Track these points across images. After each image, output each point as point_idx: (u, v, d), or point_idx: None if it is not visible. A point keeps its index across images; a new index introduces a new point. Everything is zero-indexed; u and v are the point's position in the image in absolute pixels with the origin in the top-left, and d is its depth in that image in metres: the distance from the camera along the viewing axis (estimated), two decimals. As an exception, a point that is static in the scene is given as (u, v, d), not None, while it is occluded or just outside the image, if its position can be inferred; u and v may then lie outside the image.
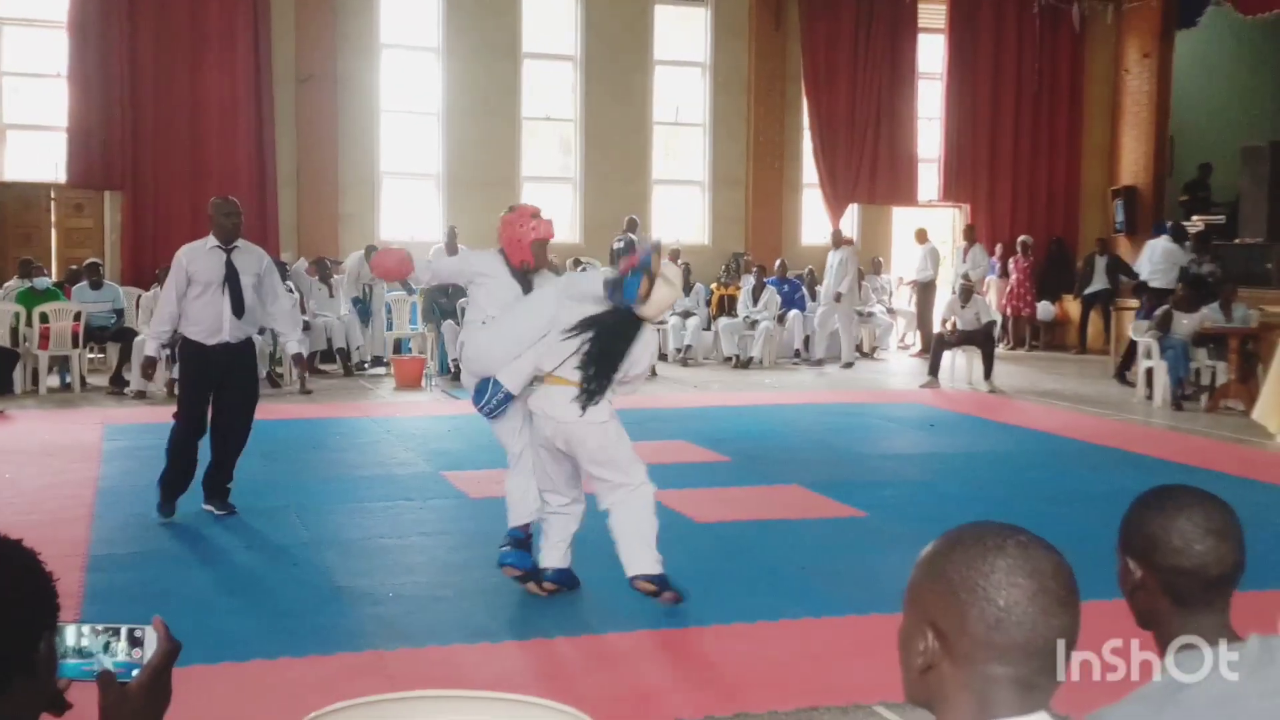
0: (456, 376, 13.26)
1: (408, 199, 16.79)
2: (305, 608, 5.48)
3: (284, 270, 13.69)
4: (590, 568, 6.13)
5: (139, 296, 13.77)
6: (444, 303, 13.68)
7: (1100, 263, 16.96)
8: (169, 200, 15.25)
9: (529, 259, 5.78)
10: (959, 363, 13.90)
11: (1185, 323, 12.38)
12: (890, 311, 17.54)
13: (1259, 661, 1.92)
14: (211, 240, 6.93)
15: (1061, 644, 1.49)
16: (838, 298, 15.28)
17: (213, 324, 6.83)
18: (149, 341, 7.21)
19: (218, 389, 6.95)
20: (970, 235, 17.69)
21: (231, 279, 6.85)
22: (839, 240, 16.29)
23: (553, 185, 17.44)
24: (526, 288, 5.74)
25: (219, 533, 6.81)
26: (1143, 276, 14.58)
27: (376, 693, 2.42)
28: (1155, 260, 15.03)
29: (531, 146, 17.37)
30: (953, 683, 1.50)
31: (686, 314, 15.57)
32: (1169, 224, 15.06)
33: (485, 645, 4.96)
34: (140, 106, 15.02)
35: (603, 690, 4.51)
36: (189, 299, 6.81)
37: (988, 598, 1.47)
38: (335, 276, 14.54)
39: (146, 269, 14.48)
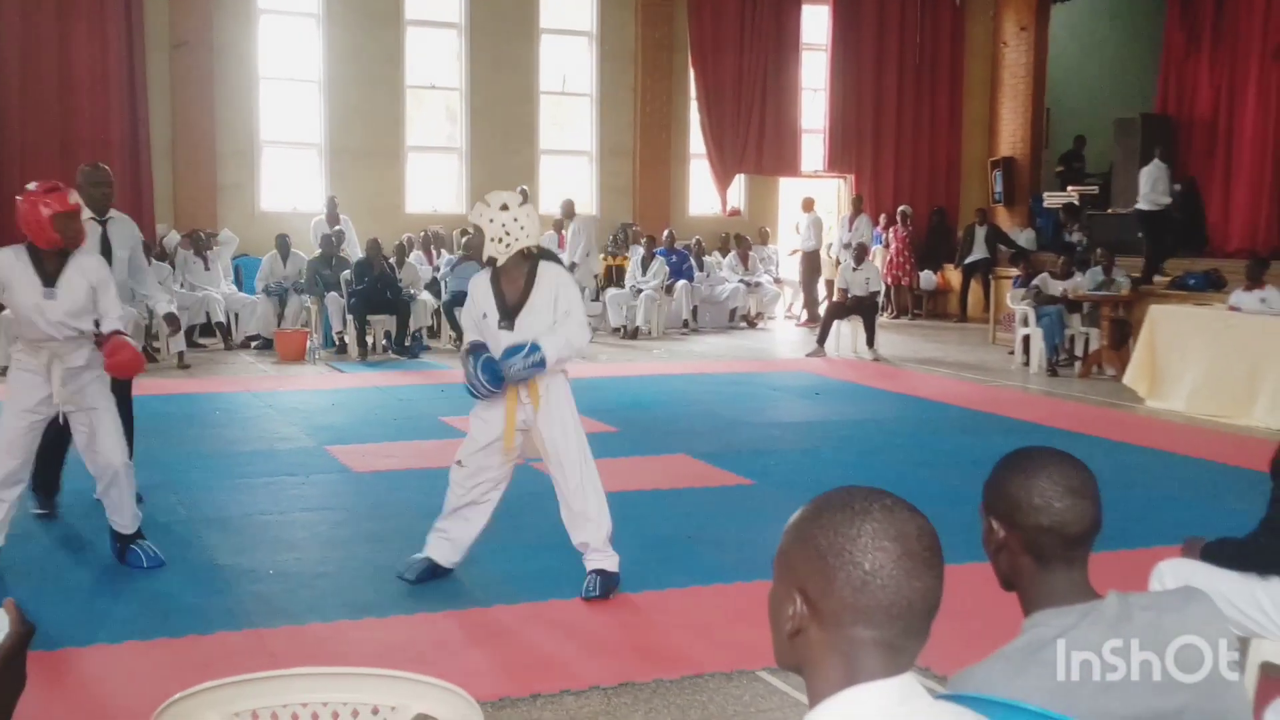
0: (341, 350, 13.14)
1: (288, 169, 16.43)
2: (183, 587, 5.35)
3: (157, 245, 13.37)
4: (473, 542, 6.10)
5: None
6: (327, 274, 13.45)
7: (980, 232, 17.33)
8: (36, 172, 14.65)
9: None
10: (844, 331, 14.09)
11: (1060, 289, 12.72)
12: (777, 281, 17.72)
13: (1118, 618, 1.97)
14: (85, 212, 6.42)
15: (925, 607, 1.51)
16: (572, 268, 15.10)
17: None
18: None
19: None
20: (858, 205, 17.93)
21: (106, 253, 6.44)
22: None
23: (438, 155, 17.24)
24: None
25: (89, 513, 6.59)
26: (1140, 205, 14.54)
27: (257, 670, 2.37)
28: (1147, 184, 14.66)
29: (416, 115, 17.12)
30: (820, 646, 1.51)
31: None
32: (1158, 150, 15.04)
33: (370, 621, 4.90)
34: (4, 75, 14.44)
35: (488, 663, 4.49)
36: None
37: (854, 561, 1.48)
38: (211, 249, 14.18)
39: (12, 240, 13.92)
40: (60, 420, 5.52)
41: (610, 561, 5.23)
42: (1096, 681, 1.90)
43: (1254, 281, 10.85)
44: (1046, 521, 2.00)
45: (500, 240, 5.00)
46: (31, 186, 5.42)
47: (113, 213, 6.71)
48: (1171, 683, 1.94)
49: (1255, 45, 16.24)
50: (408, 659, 4.40)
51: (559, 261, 5.38)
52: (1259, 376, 9.55)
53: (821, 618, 1.50)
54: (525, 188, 15.83)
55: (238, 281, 14.60)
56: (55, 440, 6.38)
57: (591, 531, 5.21)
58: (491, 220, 5.00)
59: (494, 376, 5.05)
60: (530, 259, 5.12)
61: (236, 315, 13.98)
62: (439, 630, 4.82)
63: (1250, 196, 16.19)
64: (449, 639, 4.74)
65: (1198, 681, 1.97)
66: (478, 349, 5.15)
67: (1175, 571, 3.48)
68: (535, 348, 4.97)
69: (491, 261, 5.07)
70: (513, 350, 5.00)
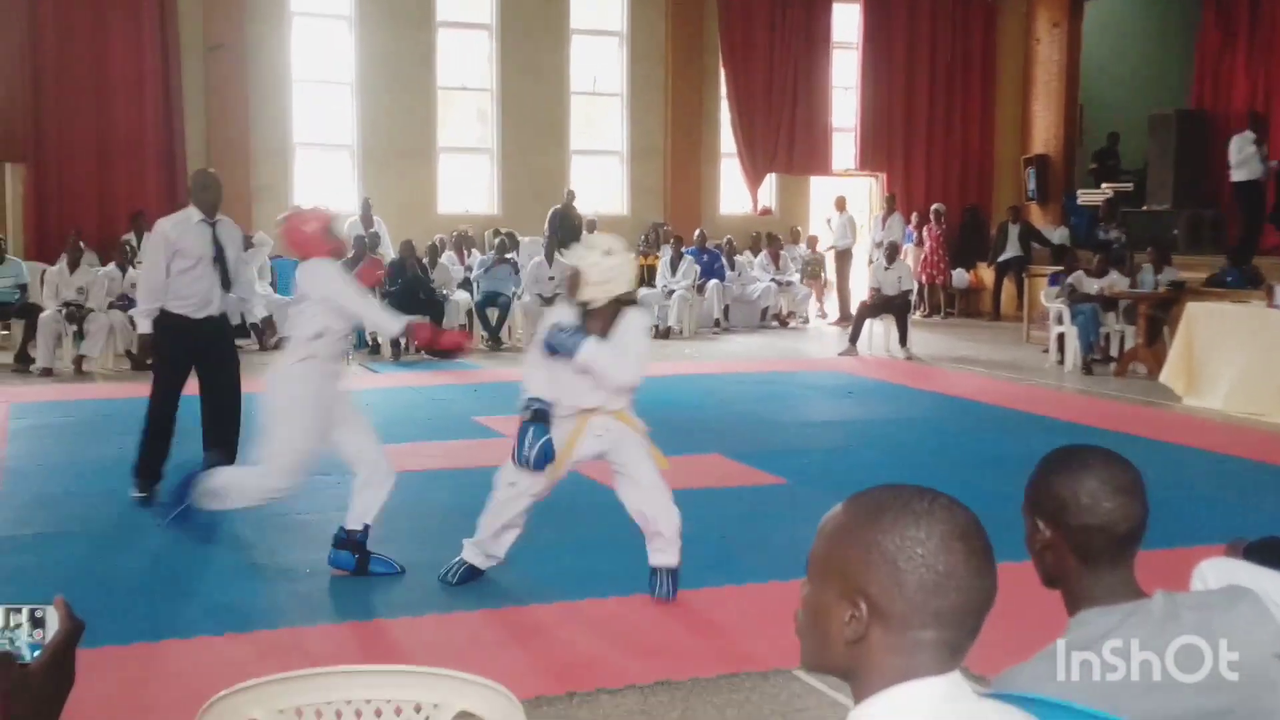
0: (375, 350, 13.20)
1: (322, 170, 16.53)
2: (221, 586, 5.39)
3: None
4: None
5: (44, 271, 13.40)
6: (360, 276, 13.51)
7: (1013, 230, 17.22)
8: (73, 173, 14.87)
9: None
10: (876, 330, 14.04)
11: (1095, 287, 12.63)
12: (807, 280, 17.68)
13: (1165, 617, 1.96)
14: (196, 214, 6.83)
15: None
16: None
17: (203, 298, 6.76)
18: (141, 319, 6.95)
19: (200, 362, 6.88)
20: (891, 204, 17.87)
21: (220, 255, 6.80)
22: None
23: (469, 156, 17.30)
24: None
25: (131, 512, 6.67)
26: (1234, 176, 14.32)
27: (297, 668, 2.38)
28: (1235, 154, 14.29)
29: (447, 117, 17.18)
30: (881, 650, 1.48)
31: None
32: (1251, 115, 14.73)
33: (406, 619, 4.92)
34: (43, 78, 14.60)
35: (525, 662, 4.50)
36: (175, 273, 6.70)
37: (926, 564, 1.45)
38: (246, 251, 14.24)
39: (51, 243, 14.10)
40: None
41: (674, 555, 5.16)
42: (1141, 681, 1.89)
43: (1293, 278, 10.74)
44: (1095, 521, 1.99)
45: (600, 284, 5.07)
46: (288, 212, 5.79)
47: (220, 215, 6.97)
48: (1218, 682, 1.92)
49: (1292, 39, 16.08)
50: (445, 657, 4.41)
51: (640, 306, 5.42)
52: (1298, 374, 9.45)
53: (889, 621, 1.47)
54: (572, 189, 15.93)
55: (273, 283, 14.68)
56: (168, 427, 6.75)
57: (664, 523, 5.15)
58: (594, 264, 5.06)
59: (545, 460, 5.02)
60: (618, 304, 5.15)
61: (271, 317, 14.02)
62: (475, 629, 4.84)
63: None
64: (485, 637, 4.75)
65: (1244, 681, 1.95)
66: (541, 419, 5.05)
67: (1218, 570, 3.44)
68: (581, 337, 4.97)
69: (585, 304, 5.10)
70: (565, 330, 5.02)
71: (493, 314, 14.02)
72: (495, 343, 13.94)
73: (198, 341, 6.83)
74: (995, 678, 1.93)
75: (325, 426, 5.52)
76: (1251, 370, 9.96)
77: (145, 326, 6.90)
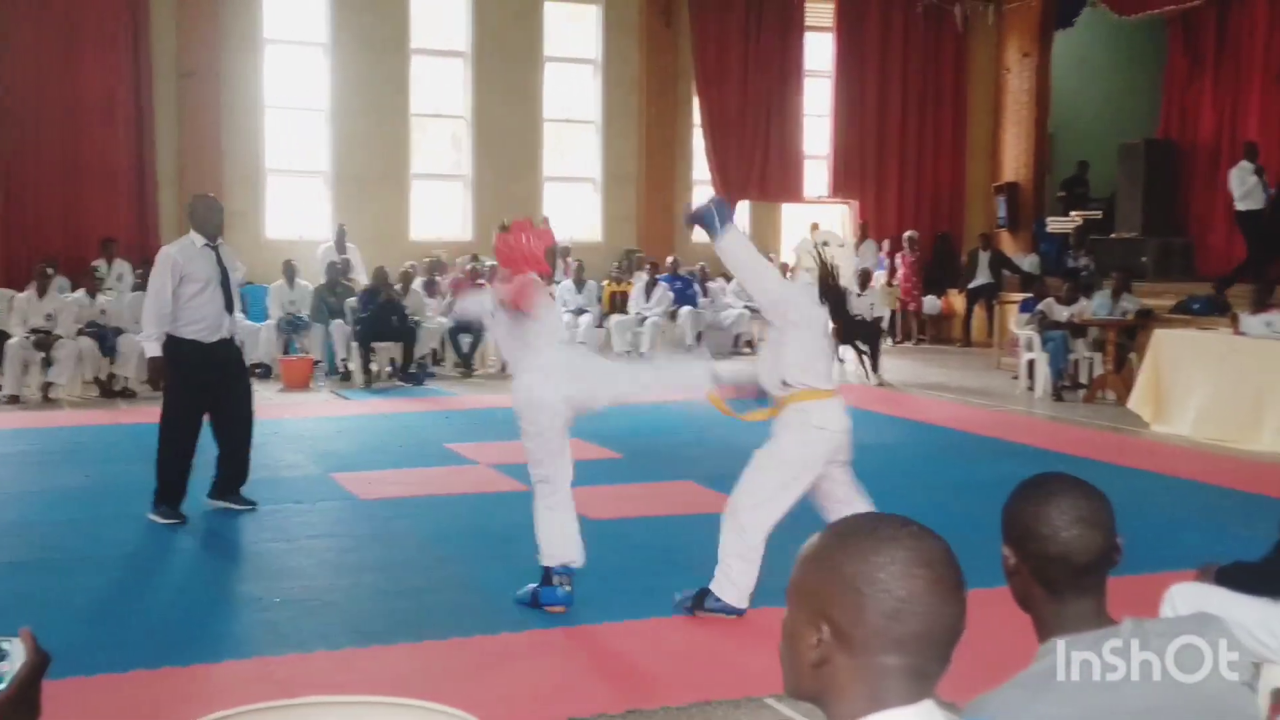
0: (346, 377, 13.15)
1: (295, 197, 16.49)
2: (189, 616, 5.34)
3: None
4: (482, 566, 6.10)
5: (11, 298, 13.29)
6: (332, 301, 13.47)
7: (984, 257, 17.34)
8: (43, 198, 14.79)
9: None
10: (848, 356, 14.07)
11: (1065, 314, 12.72)
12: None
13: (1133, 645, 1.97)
14: (199, 238, 6.92)
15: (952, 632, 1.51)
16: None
17: (214, 321, 6.88)
18: (149, 344, 6.94)
19: (217, 387, 6.94)
20: (863, 231, 17.96)
21: (225, 278, 6.94)
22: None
23: (443, 183, 17.30)
24: None
25: (97, 540, 6.60)
26: (1237, 206, 14.18)
27: (264, 700, 2.36)
28: (1236, 185, 14.25)
29: (421, 143, 17.19)
30: (846, 674, 1.50)
31: (579, 311, 15.55)
32: (1247, 145, 14.75)
33: (376, 649, 4.88)
34: (14, 101, 14.54)
35: (496, 691, 4.47)
36: (184, 298, 6.78)
37: (887, 589, 1.47)
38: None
39: (19, 269, 13.99)
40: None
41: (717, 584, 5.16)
42: (1112, 712, 1.89)
43: (1260, 305, 10.84)
44: (1054, 550, 2.00)
45: (809, 271, 5.20)
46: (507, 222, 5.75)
47: (220, 239, 7.09)
48: (1189, 710, 1.93)
49: (1257, 69, 16.31)
50: (415, 687, 4.38)
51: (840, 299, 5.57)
52: (1265, 400, 9.52)
53: (851, 646, 1.48)
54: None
55: (244, 309, 14.61)
56: (189, 450, 6.85)
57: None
58: (807, 253, 5.26)
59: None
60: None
61: (243, 343, 13.96)
62: (446, 658, 4.81)
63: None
64: (456, 667, 4.72)
65: (1213, 708, 1.96)
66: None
67: (1187, 596, 3.47)
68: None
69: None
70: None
71: (465, 341, 13.99)
72: (467, 369, 13.91)
73: (214, 366, 6.92)
74: (966, 705, 1.94)
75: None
76: (1219, 397, 10.04)
77: (155, 350, 6.89)
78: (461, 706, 2.31)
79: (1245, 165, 13.88)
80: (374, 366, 13.17)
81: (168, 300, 6.76)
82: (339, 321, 13.26)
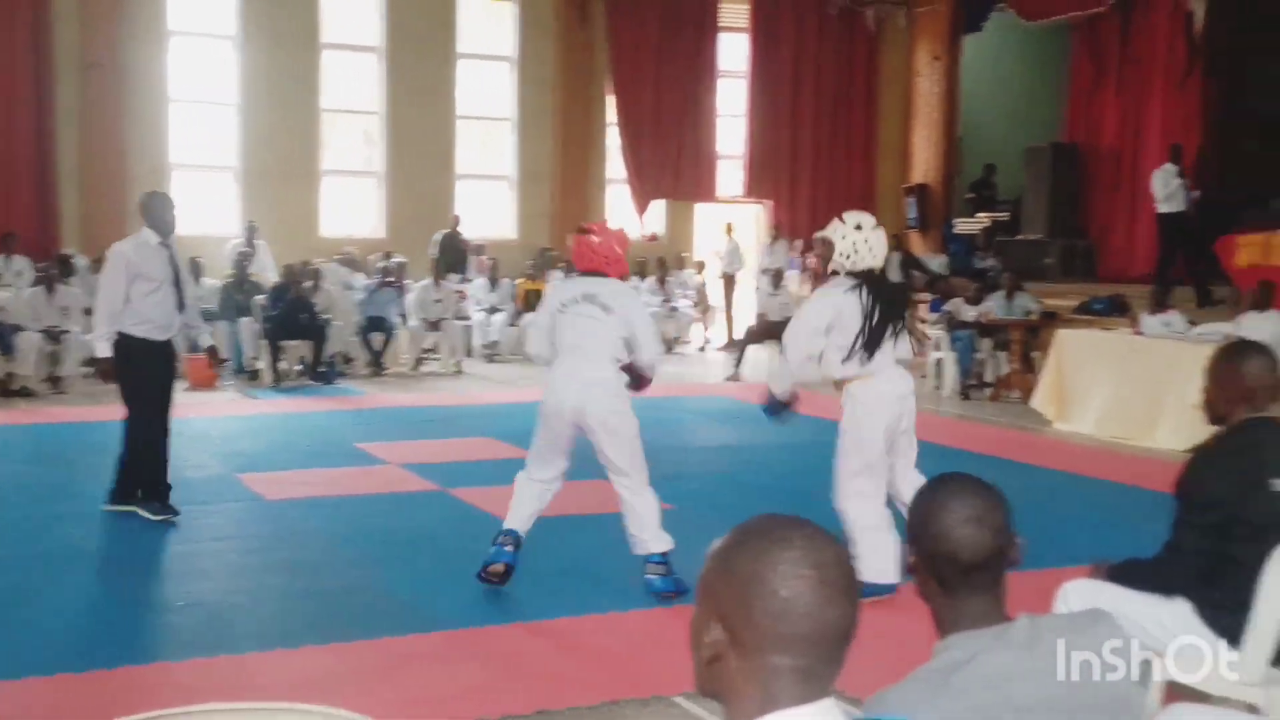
0: (254, 376, 12.93)
1: (202, 192, 16.18)
2: (88, 620, 5.22)
3: (71, 267, 13.06)
4: (391, 567, 6.04)
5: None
6: (240, 299, 13.25)
7: (894, 258, 17.53)
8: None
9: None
10: (761, 355, 14.19)
11: (973, 314, 12.94)
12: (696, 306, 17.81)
13: (1029, 641, 2.00)
14: (153, 236, 6.83)
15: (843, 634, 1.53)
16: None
17: (166, 320, 6.80)
18: (101, 343, 6.78)
19: (164, 382, 6.91)
20: (776, 231, 18.11)
21: (177, 276, 6.85)
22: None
23: (355, 179, 17.11)
24: None
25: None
26: (1160, 210, 14.09)
27: (163, 707, 2.31)
28: (1159, 187, 14.14)
29: (333, 139, 16.97)
30: (739, 673, 1.52)
31: (493, 310, 15.47)
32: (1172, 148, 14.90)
33: (281, 652, 4.81)
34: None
35: (403, 693, 4.42)
36: (138, 297, 6.67)
37: (772, 589, 1.49)
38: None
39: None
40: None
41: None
42: (1007, 706, 1.93)
43: (1158, 306, 11.13)
44: (944, 549, 2.04)
45: (844, 256, 5.43)
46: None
47: (172, 236, 7.02)
48: (1082, 705, 1.97)
49: (1159, 75, 16.73)
50: (320, 691, 4.32)
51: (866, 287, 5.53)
52: (1163, 399, 9.76)
53: (741, 645, 1.51)
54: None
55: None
56: (163, 445, 6.85)
57: None
58: (844, 237, 5.42)
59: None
60: (860, 277, 5.44)
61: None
62: (353, 660, 4.75)
63: (1153, 224, 16.61)
64: (363, 669, 4.67)
65: (1104, 704, 2.00)
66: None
67: (1080, 592, 3.54)
68: None
69: (833, 274, 5.45)
70: None
71: (376, 339, 13.84)
72: (378, 368, 13.76)
73: (161, 364, 6.89)
74: (866, 701, 1.96)
75: None
76: (1119, 395, 10.28)
77: (106, 350, 6.76)
78: (367, 710, 2.29)
79: (1169, 168, 14.13)
80: (283, 365, 12.98)
81: (120, 300, 6.66)
82: (247, 319, 13.04)
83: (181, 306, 6.92)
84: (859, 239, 5.43)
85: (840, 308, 5.42)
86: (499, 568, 5.43)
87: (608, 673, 4.65)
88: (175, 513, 6.82)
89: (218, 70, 16.03)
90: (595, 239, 5.55)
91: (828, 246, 5.48)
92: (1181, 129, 16.33)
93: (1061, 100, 18.76)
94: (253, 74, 15.92)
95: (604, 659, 4.83)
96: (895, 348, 5.50)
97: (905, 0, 19.51)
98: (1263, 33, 17.67)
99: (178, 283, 6.86)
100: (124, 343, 6.72)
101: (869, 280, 5.46)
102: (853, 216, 5.53)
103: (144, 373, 6.79)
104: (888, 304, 5.45)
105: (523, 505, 5.55)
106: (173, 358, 7.11)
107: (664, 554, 5.45)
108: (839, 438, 5.57)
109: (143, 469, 6.85)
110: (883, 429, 5.48)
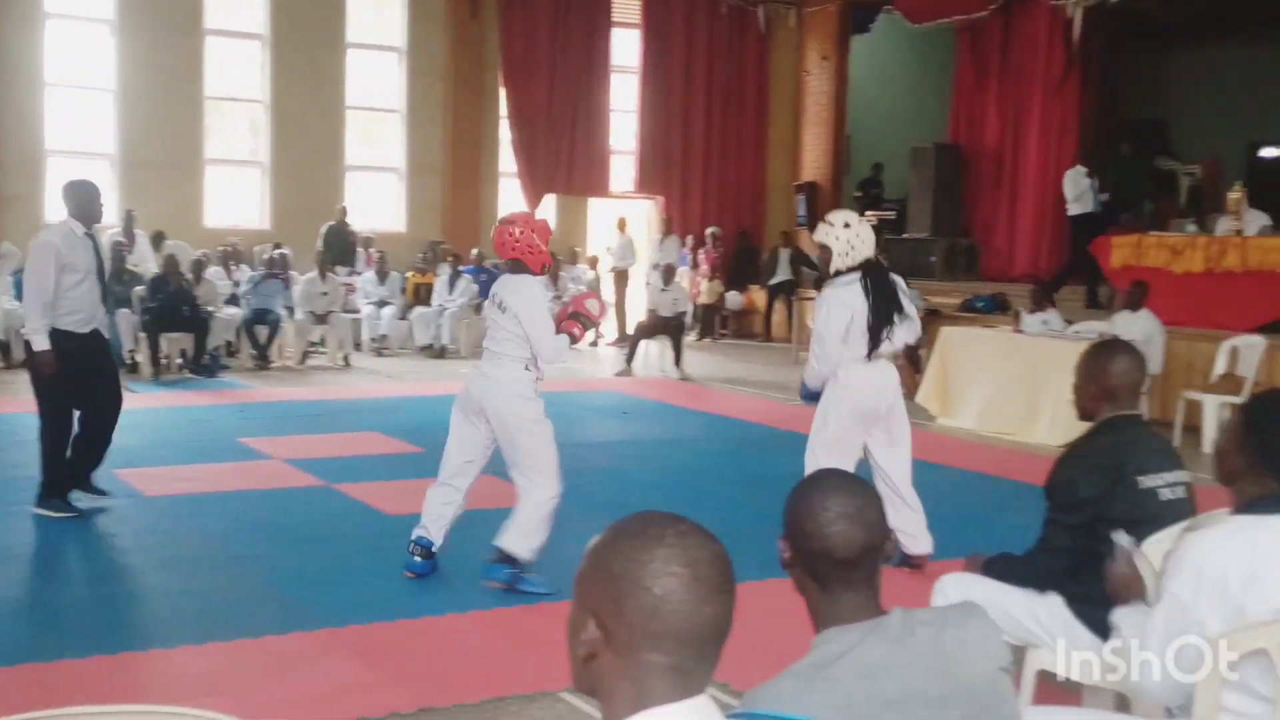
0: (133, 369, 12.58)
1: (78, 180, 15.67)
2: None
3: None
4: (274, 563, 5.93)
5: None
6: (119, 290, 12.87)
7: (784, 254, 17.78)
8: None
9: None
10: (651, 351, 14.24)
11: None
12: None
13: (901, 634, 2.04)
14: (79, 225, 6.61)
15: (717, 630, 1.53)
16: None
17: (90, 312, 6.63)
18: (37, 336, 6.50)
19: (86, 378, 6.68)
20: (667, 226, 18.18)
21: (100, 266, 6.73)
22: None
23: (240, 169, 16.75)
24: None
25: None
26: (1070, 211, 14.27)
27: (27, 710, 2.24)
28: (1069, 189, 14.36)
29: (218, 128, 16.58)
30: (612, 671, 1.52)
31: (382, 303, 15.28)
32: (1078, 154, 15.01)
33: (156, 653, 4.70)
34: None
35: (285, 693, 4.35)
36: (64, 289, 6.46)
37: (644, 587, 1.49)
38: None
39: None
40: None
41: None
42: (879, 699, 1.96)
43: (1038, 305, 11.42)
44: (817, 545, 2.07)
45: (844, 255, 5.67)
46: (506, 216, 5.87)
47: (96, 226, 6.83)
48: (949, 696, 2.01)
49: (1038, 80, 17.17)
50: (196, 692, 4.24)
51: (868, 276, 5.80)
52: (1041, 395, 10.02)
53: (614, 643, 1.51)
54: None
55: (19, 297, 13.84)
56: (68, 443, 6.69)
57: None
58: (837, 238, 5.66)
59: None
60: (864, 267, 5.71)
61: (18, 332, 13.24)
62: (231, 660, 4.65)
63: (1034, 224, 17.10)
64: (242, 669, 4.58)
65: (976, 695, 2.04)
66: None
67: (958, 586, 3.62)
68: None
69: (838, 273, 5.70)
70: None
71: (261, 332, 13.58)
72: (263, 361, 13.51)
73: (91, 355, 6.67)
74: (743, 696, 1.97)
75: None
76: (1000, 391, 10.53)
77: (43, 343, 6.50)
78: (245, 711, 2.25)
79: (1079, 169, 14.43)
80: (164, 358, 12.66)
81: (50, 290, 6.45)
82: (125, 310, 12.69)
83: (105, 297, 6.82)
84: (850, 235, 5.70)
85: (850, 304, 5.70)
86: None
87: (493, 669, 4.62)
88: (79, 512, 6.69)
89: (95, 55, 15.54)
90: (516, 230, 5.59)
91: (826, 251, 5.76)
92: (1059, 132, 16.81)
93: (946, 101, 19.15)
94: (132, 59, 15.47)
95: (489, 655, 4.80)
96: (894, 335, 5.80)
97: (795, 0, 19.73)
98: (1136, 40, 18.30)
99: (101, 274, 6.73)
100: (50, 334, 6.53)
101: (868, 270, 5.73)
102: (838, 216, 5.85)
103: (68, 366, 6.56)
104: (889, 292, 5.77)
105: None
106: (102, 350, 6.87)
107: (513, 557, 5.50)
108: (818, 410, 5.98)
109: (58, 462, 6.69)
110: (856, 413, 5.84)
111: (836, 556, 2.05)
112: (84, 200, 6.69)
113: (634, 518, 1.59)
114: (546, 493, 5.52)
